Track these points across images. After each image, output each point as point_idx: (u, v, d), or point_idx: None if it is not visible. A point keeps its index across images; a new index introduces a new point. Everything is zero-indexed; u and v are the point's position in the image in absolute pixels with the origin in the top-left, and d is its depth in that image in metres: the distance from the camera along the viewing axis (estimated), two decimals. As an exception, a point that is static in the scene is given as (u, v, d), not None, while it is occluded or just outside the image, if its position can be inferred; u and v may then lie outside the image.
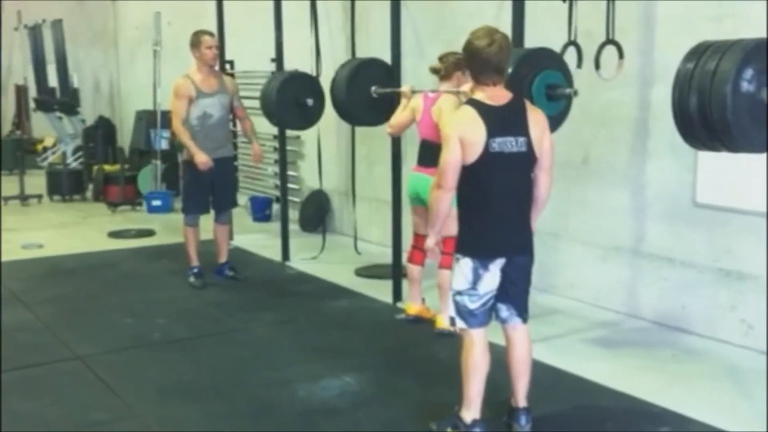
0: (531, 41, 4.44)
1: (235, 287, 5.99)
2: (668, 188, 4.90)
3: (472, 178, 3.23)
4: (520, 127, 3.25)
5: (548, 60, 4.19)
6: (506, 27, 4.46)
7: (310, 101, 6.16)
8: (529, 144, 3.26)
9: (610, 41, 4.51)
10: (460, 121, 3.24)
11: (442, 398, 3.67)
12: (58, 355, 4.59)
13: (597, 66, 4.50)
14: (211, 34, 5.88)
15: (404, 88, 5.06)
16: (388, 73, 5.52)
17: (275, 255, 6.82)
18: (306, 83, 6.29)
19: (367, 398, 4.01)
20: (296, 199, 8.06)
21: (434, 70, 4.82)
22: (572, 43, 4.53)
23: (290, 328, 4.96)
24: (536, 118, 3.32)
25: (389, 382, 4.21)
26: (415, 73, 6.54)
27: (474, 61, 3.25)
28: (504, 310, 3.43)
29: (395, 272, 5.54)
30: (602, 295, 5.33)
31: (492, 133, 3.18)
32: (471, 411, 3.39)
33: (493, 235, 3.32)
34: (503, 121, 3.23)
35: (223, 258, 6.17)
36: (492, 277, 3.33)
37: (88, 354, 4.57)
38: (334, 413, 3.82)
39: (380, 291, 5.67)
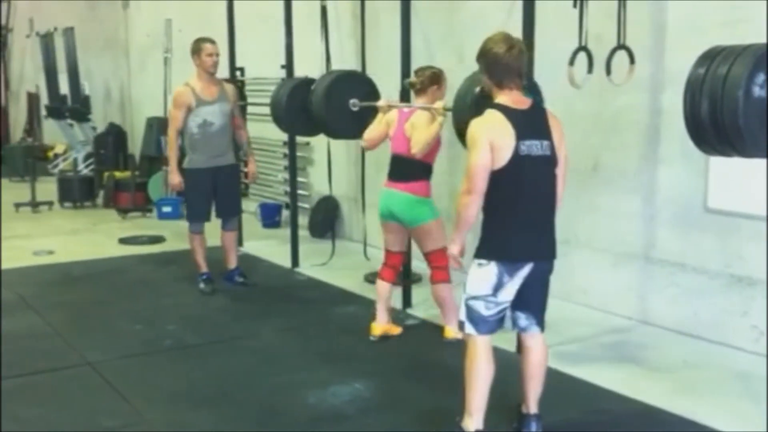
0: (541, 47, 4.43)
1: (244, 293, 5.99)
2: (679, 194, 4.88)
3: (500, 182, 3.19)
4: (544, 131, 3.27)
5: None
6: (516, 32, 4.45)
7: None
8: (552, 148, 3.28)
9: (621, 46, 4.50)
10: (490, 124, 3.20)
11: (452, 405, 3.64)
12: (68, 361, 4.60)
13: (608, 71, 4.49)
14: (211, 41, 5.85)
15: (381, 102, 5.05)
16: (367, 86, 5.50)
17: (284, 261, 6.82)
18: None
19: (377, 404, 4.00)
20: (306, 206, 8.07)
21: (410, 85, 4.82)
22: (583, 48, 4.52)
23: (299, 334, 4.95)
24: (555, 124, 3.34)
25: (399, 388, 4.20)
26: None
27: (495, 66, 3.25)
28: (523, 319, 3.41)
29: (404, 279, 5.53)
30: (613, 302, 5.31)
31: (521, 136, 3.17)
32: (474, 421, 3.34)
33: (522, 239, 3.28)
34: (529, 124, 3.23)
35: (232, 264, 6.17)
36: (513, 286, 3.29)
37: (98, 360, 4.57)
38: (343, 419, 3.81)
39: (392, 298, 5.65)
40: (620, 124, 5.19)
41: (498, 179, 3.19)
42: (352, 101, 5.37)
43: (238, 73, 7.90)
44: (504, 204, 3.25)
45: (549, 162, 3.29)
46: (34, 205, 9.77)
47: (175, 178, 5.78)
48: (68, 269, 6.86)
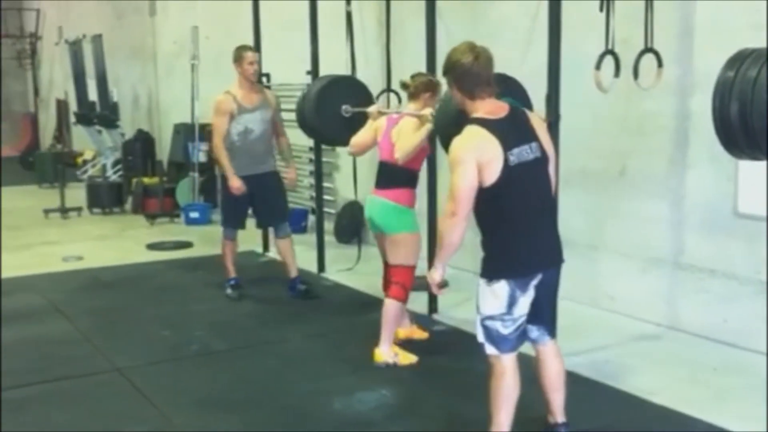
0: (567, 51, 4.40)
1: (271, 299, 6.00)
2: (708, 198, 4.82)
3: (495, 197, 3.07)
4: (529, 133, 3.17)
5: (501, 85, 3.90)
6: (542, 37, 4.45)
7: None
8: (541, 148, 3.19)
9: (648, 50, 4.46)
10: (472, 141, 3.07)
11: (479, 412, 3.62)
12: (97, 367, 4.64)
13: (635, 75, 4.45)
14: (252, 49, 5.89)
15: (371, 108, 5.03)
16: (361, 91, 5.48)
17: (311, 266, 6.83)
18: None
19: (403, 411, 3.99)
20: (332, 211, 8.08)
21: (404, 86, 4.75)
22: (609, 52, 4.49)
23: (326, 340, 4.96)
24: (538, 122, 3.29)
25: (425, 395, 4.19)
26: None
27: (465, 78, 3.16)
28: (534, 331, 3.35)
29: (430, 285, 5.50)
30: (642, 308, 5.26)
31: (507, 146, 3.05)
32: None
33: (528, 251, 3.19)
34: (513, 131, 3.12)
35: (292, 273, 6.06)
36: (527, 299, 3.20)
37: (126, 365, 4.61)
38: (369, 426, 3.81)
39: (415, 303, 5.62)
40: (648, 128, 5.15)
41: (492, 195, 3.07)
42: (344, 107, 5.36)
43: (264, 79, 7.93)
44: (503, 219, 3.15)
45: (541, 163, 3.18)
46: (64, 211, 9.87)
47: (235, 182, 5.69)
48: (97, 275, 6.92)
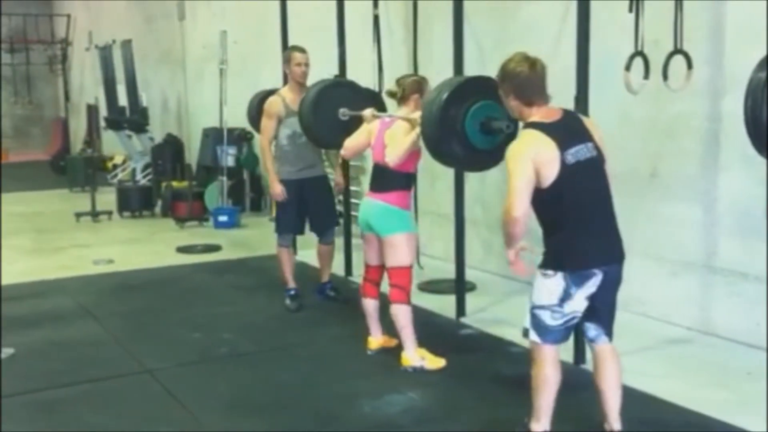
0: (596, 52, 4.37)
1: (300, 302, 5.99)
2: (741, 201, 4.76)
3: (554, 196, 3.18)
4: (584, 134, 3.28)
5: (483, 90, 4.01)
6: (570, 38, 4.42)
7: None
8: (597, 147, 3.28)
9: (678, 51, 4.42)
10: (528, 143, 3.21)
11: (507, 416, 3.62)
12: (127, 369, 4.68)
13: (665, 77, 4.41)
14: (301, 50, 5.72)
15: (366, 111, 5.00)
16: (359, 94, 5.47)
17: (338, 269, 6.83)
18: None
19: (432, 415, 3.98)
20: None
21: (391, 94, 4.72)
22: (639, 53, 4.45)
23: (354, 343, 4.96)
24: (591, 124, 3.38)
25: (453, 398, 4.18)
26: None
27: (522, 86, 3.28)
28: (592, 330, 3.42)
29: (459, 287, 5.50)
30: (673, 311, 5.20)
31: (564, 146, 3.16)
32: (541, 423, 3.37)
33: (585, 245, 3.26)
34: (568, 132, 3.24)
35: (325, 278, 6.05)
36: (582, 297, 3.26)
37: (156, 367, 4.65)
38: (398, 429, 3.80)
39: (443, 306, 5.64)
40: (678, 130, 5.10)
41: (551, 194, 3.17)
42: (341, 110, 5.34)
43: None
44: (562, 216, 3.25)
45: (597, 162, 3.27)
46: (94, 214, 9.98)
47: (277, 187, 5.65)
48: (127, 278, 6.99)
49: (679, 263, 5.16)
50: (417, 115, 4.42)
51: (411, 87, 4.61)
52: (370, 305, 4.83)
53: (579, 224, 3.25)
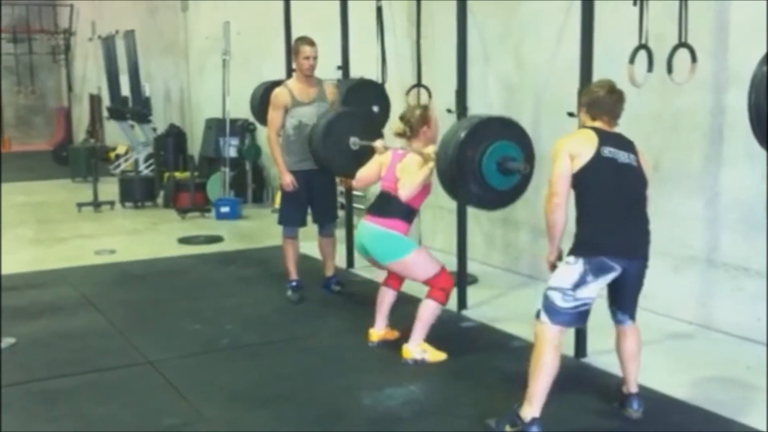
0: (600, 45, 4.36)
1: (302, 293, 6.00)
2: (743, 196, 4.75)
3: (585, 181, 3.45)
4: (630, 148, 3.58)
5: (501, 130, 4.05)
6: (575, 32, 4.41)
7: (375, 108, 6.17)
8: (639, 162, 3.58)
9: (682, 44, 4.41)
10: (572, 138, 3.55)
11: (507, 409, 3.61)
12: (129, 360, 4.69)
13: (669, 70, 4.40)
14: (310, 43, 5.67)
15: (377, 143, 5.04)
16: (370, 124, 5.50)
17: (340, 262, 6.83)
18: (372, 90, 6.30)
19: (432, 408, 3.99)
20: (361, 206, 8.07)
21: (399, 134, 4.73)
22: (643, 46, 4.44)
23: (356, 336, 4.96)
24: (642, 152, 3.64)
25: (454, 391, 4.18)
26: (482, 80, 6.52)
27: (593, 103, 3.64)
28: (618, 315, 3.70)
29: (460, 280, 5.50)
30: (675, 306, 5.20)
31: (604, 143, 3.48)
32: (533, 408, 3.46)
33: (607, 237, 3.48)
34: (614, 139, 3.56)
35: (329, 272, 6.04)
36: (596, 287, 3.49)
37: (158, 359, 4.65)
38: (399, 422, 3.81)
39: (446, 299, 5.63)
40: (682, 124, 5.09)
41: (583, 179, 3.45)
42: (352, 140, 5.35)
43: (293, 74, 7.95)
44: (590, 202, 3.48)
45: (637, 171, 3.56)
46: (97, 205, 9.98)
47: (287, 178, 5.64)
48: (129, 268, 6.99)
49: (681, 258, 5.16)
50: (430, 149, 4.45)
51: (418, 122, 4.64)
52: (388, 295, 4.84)
53: (604, 216, 3.49)
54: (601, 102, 3.61)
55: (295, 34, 7.33)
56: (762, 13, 4.44)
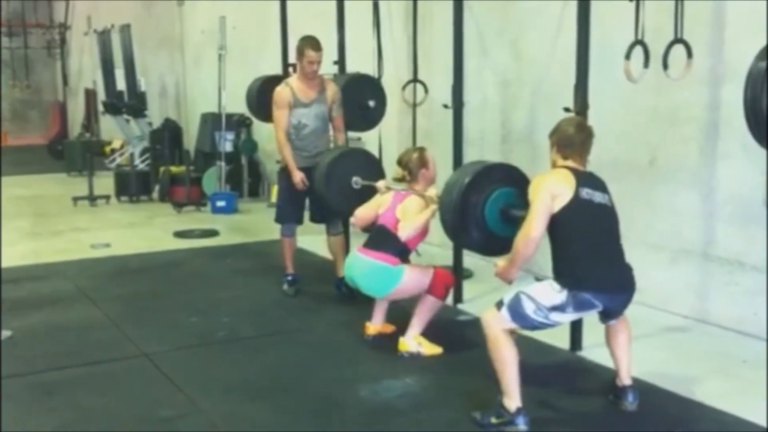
0: (596, 41, 4.37)
1: (298, 287, 6.00)
2: (740, 190, 4.77)
3: (565, 222, 3.50)
4: (603, 188, 3.67)
5: (504, 177, 4.06)
6: (571, 26, 4.42)
7: (371, 103, 6.17)
8: (612, 203, 3.65)
9: (678, 40, 4.42)
10: (551, 177, 3.60)
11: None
12: (125, 352, 4.69)
13: (665, 66, 4.41)
14: (314, 48, 5.53)
15: (380, 183, 5.09)
16: (372, 164, 5.54)
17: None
18: (368, 85, 6.30)
19: (428, 399, 4.00)
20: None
21: (398, 180, 4.77)
22: (639, 42, 4.45)
23: (352, 329, 4.97)
24: (610, 191, 3.71)
25: (450, 383, 4.19)
26: (479, 75, 6.53)
27: (562, 141, 3.70)
28: (605, 318, 3.77)
29: (456, 274, 5.50)
30: (671, 300, 5.22)
31: (582, 184, 3.55)
32: (513, 399, 3.51)
33: (596, 272, 3.53)
34: (590, 180, 3.63)
35: (340, 272, 5.80)
36: (569, 318, 3.62)
37: (154, 351, 4.66)
38: (396, 414, 3.82)
39: (442, 293, 5.64)
40: (678, 119, 5.10)
41: (563, 219, 3.50)
42: (354, 179, 5.36)
43: (290, 69, 7.94)
44: (573, 242, 3.54)
45: (609, 210, 3.63)
46: (92, 199, 9.98)
47: (297, 176, 5.60)
48: (125, 262, 6.99)
49: (677, 251, 5.18)
50: (432, 192, 4.49)
51: (416, 164, 4.71)
52: None
53: (586, 251, 3.54)
54: (571, 141, 3.67)
55: (291, 28, 7.36)
56: (757, 8, 4.46)
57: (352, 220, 5.03)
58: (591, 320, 3.97)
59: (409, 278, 4.56)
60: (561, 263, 3.58)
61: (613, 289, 3.58)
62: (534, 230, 3.48)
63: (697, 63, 4.49)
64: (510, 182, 4.02)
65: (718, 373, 4.28)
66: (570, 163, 3.66)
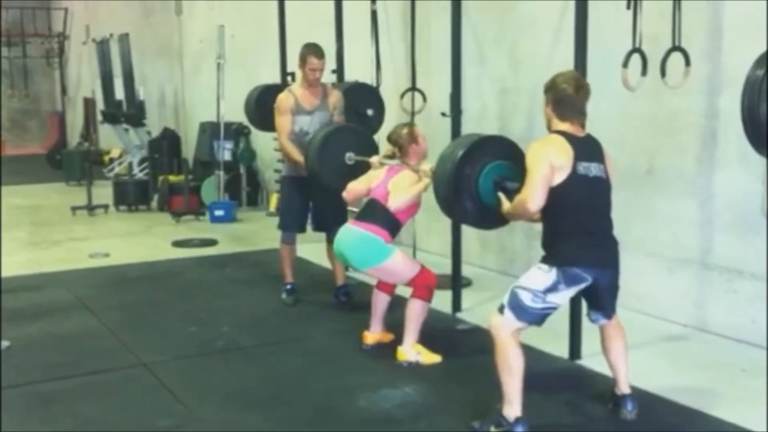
0: (594, 48, 4.38)
1: (297, 296, 5.99)
2: (737, 198, 4.77)
3: (560, 197, 3.45)
4: (599, 156, 3.59)
5: (498, 149, 4.01)
6: (569, 34, 4.42)
7: (370, 111, 6.18)
8: (605, 171, 3.59)
9: (676, 48, 4.43)
10: (551, 146, 3.50)
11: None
12: (124, 362, 4.68)
13: (663, 73, 4.42)
14: (317, 55, 5.51)
15: (373, 158, 5.05)
16: (365, 140, 5.50)
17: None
18: (366, 94, 6.31)
19: (428, 409, 3.99)
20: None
21: (390, 156, 4.78)
22: (637, 50, 4.46)
23: (351, 338, 4.96)
24: (607, 153, 3.65)
25: (450, 392, 4.19)
26: (477, 82, 6.54)
27: (560, 102, 3.56)
28: (593, 314, 3.76)
29: (455, 282, 5.51)
30: (669, 308, 5.22)
31: (578, 157, 3.47)
32: (513, 408, 3.50)
33: (582, 248, 3.52)
34: (586, 148, 3.55)
35: (340, 281, 5.81)
36: (566, 295, 3.55)
37: (153, 361, 4.65)
38: (395, 423, 3.81)
39: (439, 301, 5.59)
40: (676, 127, 5.11)
41: (558, 194, 3.45)
42: (348, 155, 5.34)
43: (289, 78, 7.95)
44: (564, 217, 3.51)
45: (602, 182, 3.57)
46: (91, 208, 9.97)
47: (300, 158, 5.52)
48: (123, 271, 6.98)
49: (675, 260, 5.18)
50: (425, 166, 4.48)
51: (406, 139, 4.72)
52: (381, 299, 4.82)
53: (576, 228, 3.52)
54: (571, 103, 3.55)
55: (290, 37, 7.38)
56: (755, 16, 4.47)
57: (344, 194, 4.99)
58: (590, 329, 3.97)
59: (397, 261, 4.55)
60: (550, 238, 3.57)
61: (602, 265, 3.57)
62: (533, 202, 3.45)
63: (695, 71, 4.49)
64: (505, 155, 3.97)
65: (717, 381, 4.27)
66: (567, 126, 3.55)
